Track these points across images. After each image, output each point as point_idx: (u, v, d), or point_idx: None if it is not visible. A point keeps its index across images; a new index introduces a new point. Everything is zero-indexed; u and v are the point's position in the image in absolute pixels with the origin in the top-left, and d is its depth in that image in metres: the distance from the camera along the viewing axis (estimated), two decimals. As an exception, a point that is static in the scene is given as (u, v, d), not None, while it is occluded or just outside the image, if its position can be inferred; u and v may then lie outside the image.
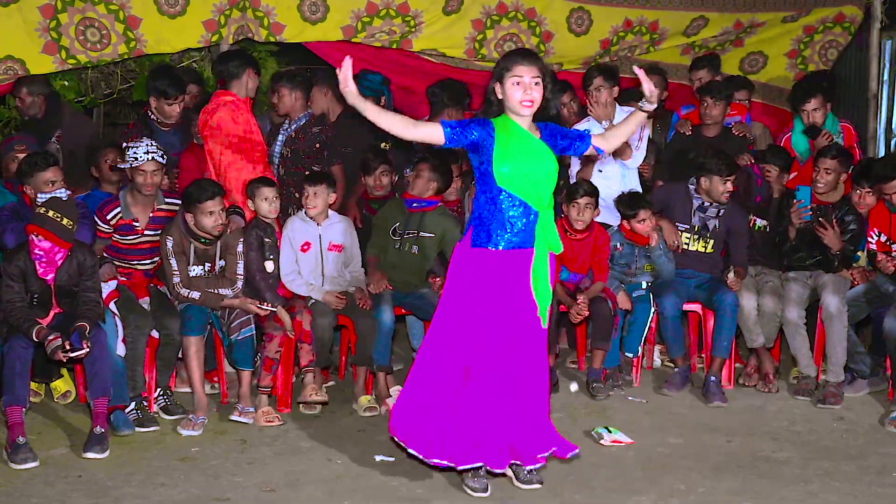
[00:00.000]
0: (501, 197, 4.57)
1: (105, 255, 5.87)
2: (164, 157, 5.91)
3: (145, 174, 5.81)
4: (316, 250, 6.17)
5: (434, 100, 7.05)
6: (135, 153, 5.80)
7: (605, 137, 4.81)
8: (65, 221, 5.26)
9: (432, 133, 4.56)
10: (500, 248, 4.59)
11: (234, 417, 5.71)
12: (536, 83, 4.52)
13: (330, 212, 6.26)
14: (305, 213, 6.18)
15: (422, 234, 6.26)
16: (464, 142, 4.55)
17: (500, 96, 4.57)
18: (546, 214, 4.63)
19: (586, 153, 4.82)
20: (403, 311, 6.37)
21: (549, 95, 4.59)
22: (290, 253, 6.11)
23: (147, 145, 5.83)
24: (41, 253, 5.28)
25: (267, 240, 6.04)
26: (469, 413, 4.63)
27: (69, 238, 5.31)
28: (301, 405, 5.89)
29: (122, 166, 5.91)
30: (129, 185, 5.93)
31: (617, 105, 6.80)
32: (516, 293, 4.64)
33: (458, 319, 4.66)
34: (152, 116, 6.57)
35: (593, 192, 6.30)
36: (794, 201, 6.49)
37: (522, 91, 4.51)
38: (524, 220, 4.59)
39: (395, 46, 7.78)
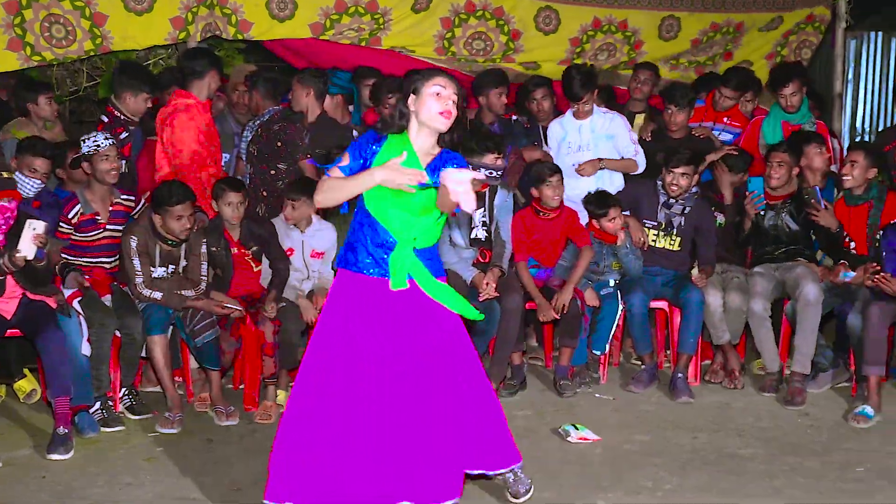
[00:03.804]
0: (367, 222, 4.27)
1: (64, 256, 5.79)
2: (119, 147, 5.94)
3: (108, 158, 5.76)
4: (299, 256, 6.17)
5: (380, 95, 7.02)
6: (95, 141, 5.77)
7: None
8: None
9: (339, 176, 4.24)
10: (366, 273, 4.27)
11: (222, 422, 5.65)
12: (454, 101, 4.26)
13: (314, 218, 6.24)
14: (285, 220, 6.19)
15: None
16: (360, 167, 4.25)
17: (412, 108, 4.29)
18: (404, 248, 4.22)
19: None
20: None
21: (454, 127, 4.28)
22: None
23: (104, 134, 5.83)
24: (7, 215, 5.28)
25: (213, 248, 5.99)
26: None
27: (10, 185, 5.34)
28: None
29: (83, 152, 5.83)
30: (86, 181, 5.89)
31: (595, 107, 6.86)
32: (391, 323, 4.26)
33: (331, 344, 4.30)
34: (119, 115, 6.38)
35: (558, 169, 6.37)
36: (747, 192, 6.55)
37: (442, 102, 4.20)
38: (386, 251, 4.26)
39: (363, 44, 7.77)
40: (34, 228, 5.08)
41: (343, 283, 4.35)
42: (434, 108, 4.22)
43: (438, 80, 4.26)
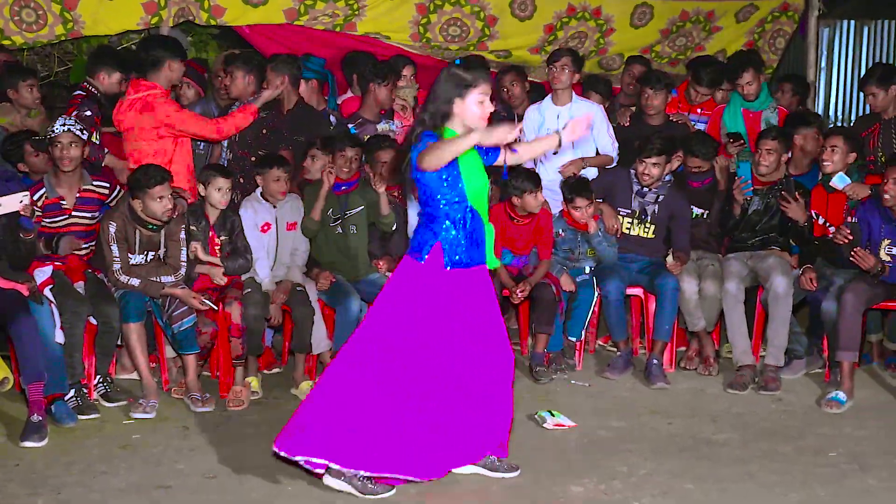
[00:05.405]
0: (469, 215, 4.52)
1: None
2: (84, 132, 5.80)
3: (61, 146, 5.67)
4: (274, 231, 6.17)
5: (361, 77, 6.99)
6: (51, 128, 5.71)
7: (519, 153, 4.77)
8: None
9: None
10: (473, 265, 4.57)
11: (197, 409, 5.63)
12: (491, 98, 4.56)
13: None
14: (261, 195, 6.16)
15: (354, 210, 6.29)
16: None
17: (455, 111, 4.46)
18: (490, 228, 4.64)
19: (496, 163, 4.75)
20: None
21: None
22: (253, 234, 6.10)
23: (64, 119, 5.75)
24: None
25: (193, 227, 5.96)
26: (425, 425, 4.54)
27: None
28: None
29: (41, 138, 5.78)
30: (52, 167, 5.81)
31: (574, 95, 6.85)
32: (484, 307, 4.64)
33: (427, 339, 4.52)
34: (96, 92, 6.38)
35: (539, 181, 6.33)
36: (736, 178, 6.56)
37: (484, 109, 4.48)
38: (484, 237, 4.60)
39: (338, 30, 7.73)
40: (21, 201, 5.08)
41: (443, 280, 4.53)
42: (477, 114, 4.46)
43: (483, 87, 4.47)
